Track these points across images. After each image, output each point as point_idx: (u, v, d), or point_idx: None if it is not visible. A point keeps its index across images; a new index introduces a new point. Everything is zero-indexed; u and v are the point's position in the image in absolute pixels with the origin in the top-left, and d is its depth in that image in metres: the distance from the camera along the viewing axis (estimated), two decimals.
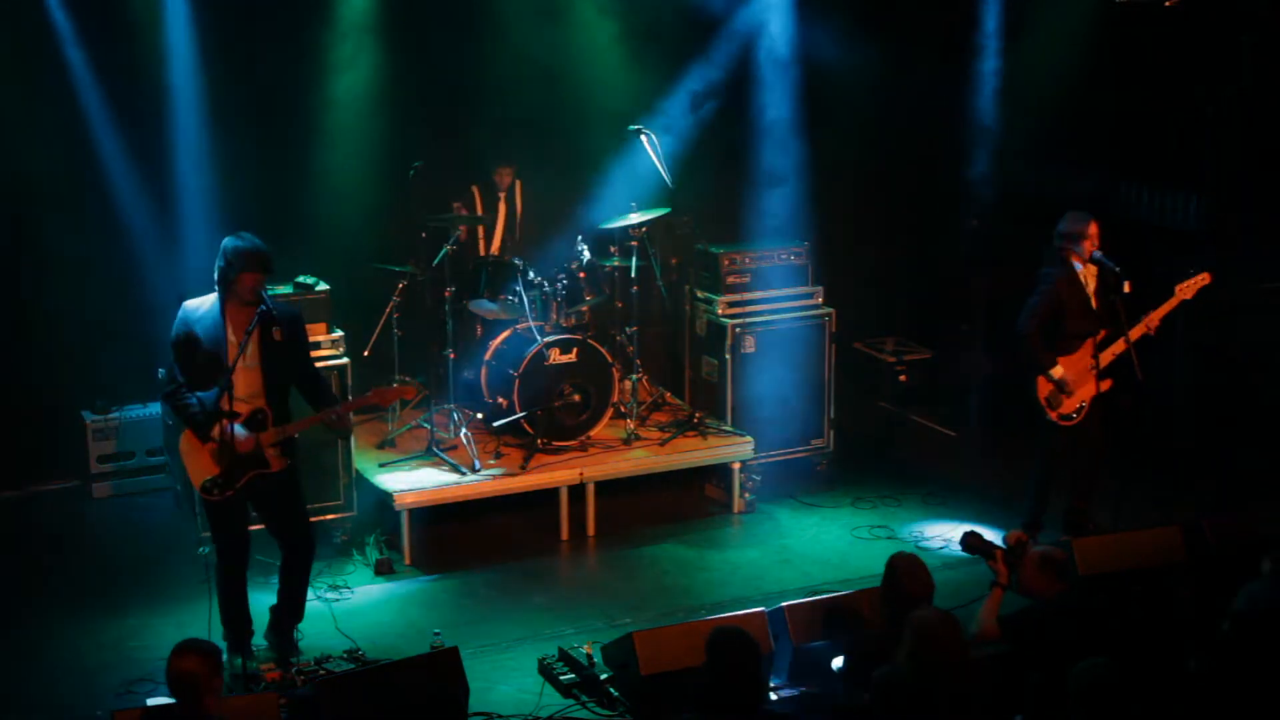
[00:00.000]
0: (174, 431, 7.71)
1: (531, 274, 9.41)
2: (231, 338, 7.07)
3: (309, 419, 7.30)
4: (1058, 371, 8.42)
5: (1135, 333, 8.34)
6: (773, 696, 6.74)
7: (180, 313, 7.15)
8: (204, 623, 7.34)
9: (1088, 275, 8.46)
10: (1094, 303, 8.45)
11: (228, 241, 7.10)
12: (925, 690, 5.32)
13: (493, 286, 9.31)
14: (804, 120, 11.39)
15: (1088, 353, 8.42)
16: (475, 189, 9.96)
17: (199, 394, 7.08)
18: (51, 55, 9.25)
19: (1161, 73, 10.26)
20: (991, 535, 6.99)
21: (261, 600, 7.61)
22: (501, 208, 10.01)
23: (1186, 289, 8.51)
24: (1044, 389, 8.48)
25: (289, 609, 7.53)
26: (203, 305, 7.13)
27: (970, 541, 6.97)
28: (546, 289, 9.36)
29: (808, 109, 11.40)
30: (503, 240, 10.01)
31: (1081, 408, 8.46)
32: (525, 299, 9.36)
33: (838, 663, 6.70)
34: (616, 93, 10.64)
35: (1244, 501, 9.00)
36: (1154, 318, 8.43)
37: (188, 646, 5.76)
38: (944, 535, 8.97)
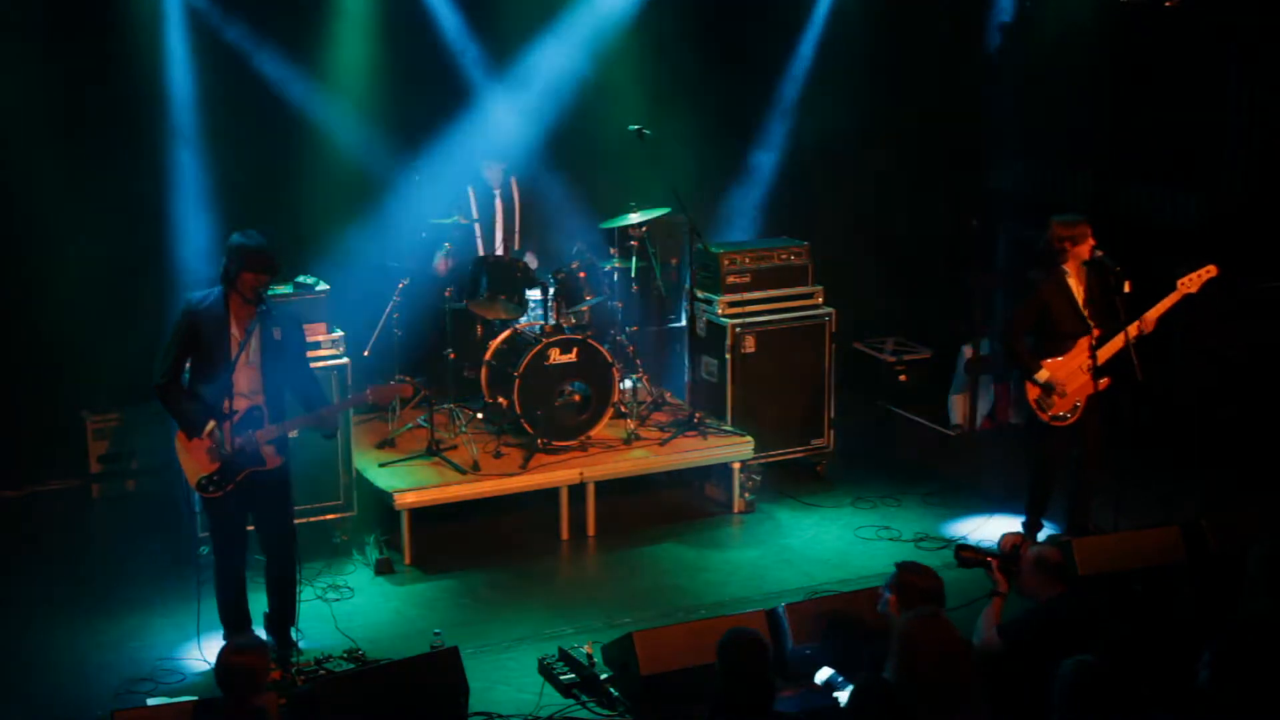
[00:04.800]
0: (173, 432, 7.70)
1: (532, 274, 9.43)
2: (235, 332, 7.11)
3: (304, 416, 7.32)
4: (1043, 375, 8.40)
5: (1130, 331, 8.30)
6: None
7: (184, 303, 7.19)
8: (205, 623, 7.35)
9: (1077, 277, 8.43)
10: (1084, 303, 8.42)
11: (234, 238, 7.15)
12: (903, 697, 5.28)
13: (493, 286, 9.32)
14: (804, 118, 11.46)
15: (1082, 352, 8.40)
16: (470, 190, 9.97)
17: (200, 387, 7.11)
18: (50, 55, 9.26)
19: (1163, 72, 10.27)
20: (997, 525, 6.92)
21: (261, 601, 7.59)
22: (499, 207, 10.02)
23: (1190, 283, 8.30)
24: (1032, 393, 8.47)
25: (281, 613, 7.52)
26: (207, 298, 7.17)
27: (964, 555, 6.95)
28: (547, 289, 9.38)
29: (808, 108, 11.47)
30: (505, 240, 10.02)
31: (1076, 407, 8.44)
32: (525, 299, 9.39)
33: (822, 675, 6.70)
34: (616, 91, 10.69)
35: (1244, 501, 9.00)
36: (1150, 315, 8.29)
37: (244, 642, 5.93)
38: (943, 536, 8.99)
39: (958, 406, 10.85)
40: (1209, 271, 8.33)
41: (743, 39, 11.25)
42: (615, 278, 9.76)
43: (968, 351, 10.84)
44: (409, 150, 9.91)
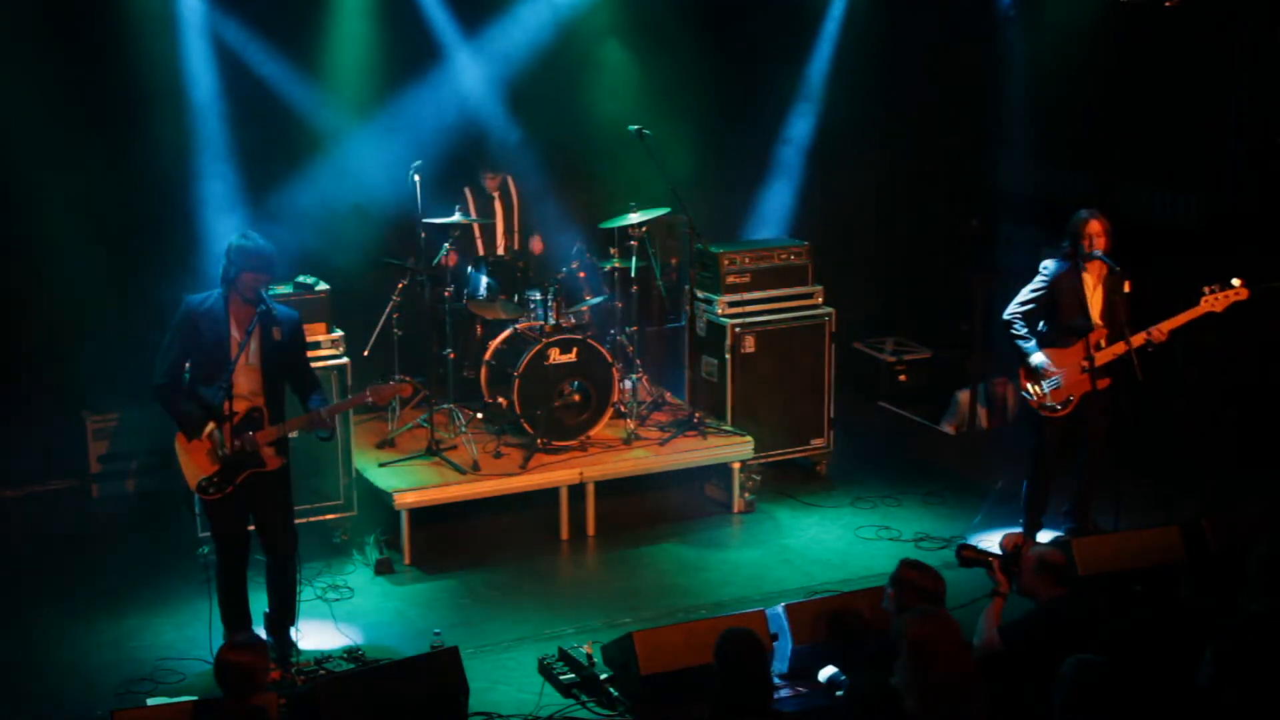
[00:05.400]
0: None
1: (531, 273, 9.43)
2: (235, 334, 7.11)
3: (302, 417, 7.32)
4: (1038, 358, 8.39)
5: (1137, 339, 8.26)
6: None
7: (184, 304, 7.19)
8: (204, 623, 7.35)
9: (1091, 272, 8.41)
10: (1095, 300, 8.40)
11: (233, 240, 7.16)
12: (911, 699, 5.26)
13: (492, 287, 9.31)
14: (805, 118, 11.47)
15: (1081, 349, 8.40)
16: (468, 191, 9.97)
17: (200, 388, 7.11)
18: (53, 57, 9.26)
19: (1163, 72, 10.27)
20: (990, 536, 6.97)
21: (261, 601, 7.59)
22: (498, 208, 10.02)
23: (1215, 302, 8.12)
24: (1025, 377, 8.48)
25: (281, 613, 7.52)
26: (207, 300, 7.18)
27: (965, 555, 6.95)
28: (547, 289, 9.38)
29: (808, 107, 11.48)
30: (505, 240, 10.02)
31: (1069, 401, 8.42)
32: (526, 299, 9.39)
33: (825, 673, 6.70)
34: (616, 91, 10.69)
35: (1244, 501, 9.00)
36: (1165, 326, 8.20)
37: (242, 641, 5.96)
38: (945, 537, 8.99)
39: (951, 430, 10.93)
40: (1238, 294, 8.14)
41: (743, 39, 11.25)
42: (615, 278, 9.77)
43: (962, 397, 10.87)
44: (408, 149, 9.90)
